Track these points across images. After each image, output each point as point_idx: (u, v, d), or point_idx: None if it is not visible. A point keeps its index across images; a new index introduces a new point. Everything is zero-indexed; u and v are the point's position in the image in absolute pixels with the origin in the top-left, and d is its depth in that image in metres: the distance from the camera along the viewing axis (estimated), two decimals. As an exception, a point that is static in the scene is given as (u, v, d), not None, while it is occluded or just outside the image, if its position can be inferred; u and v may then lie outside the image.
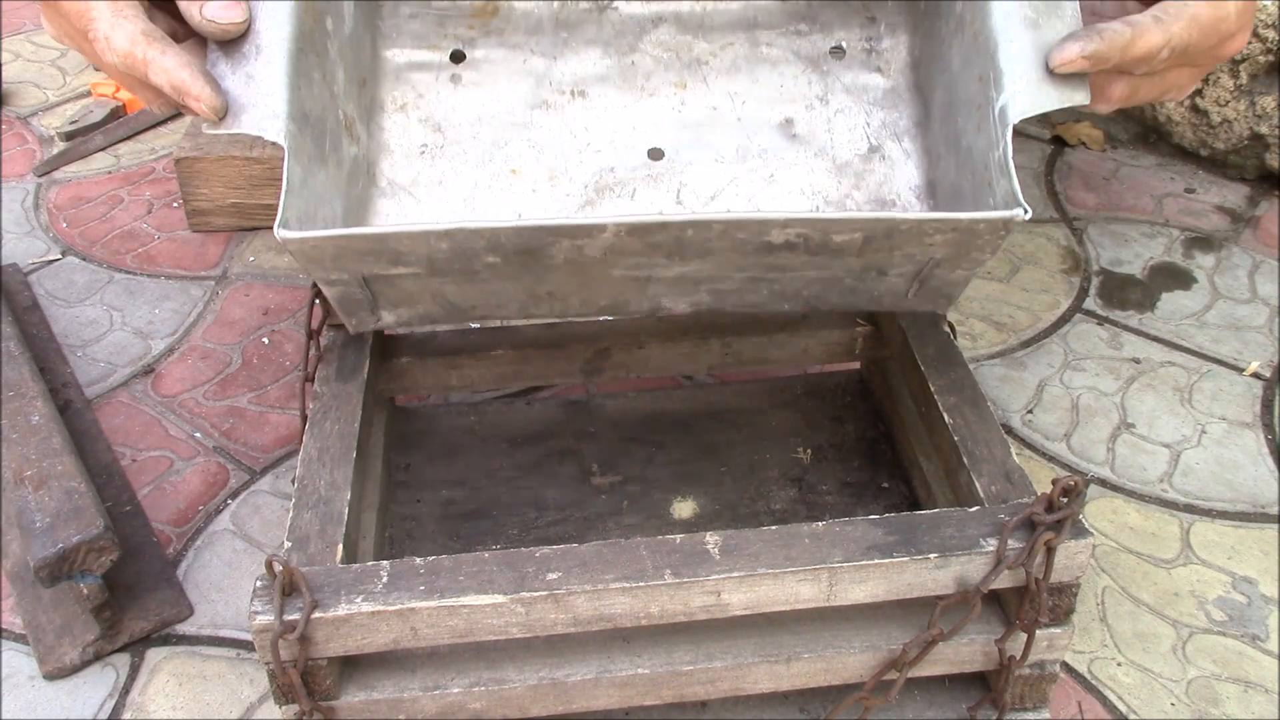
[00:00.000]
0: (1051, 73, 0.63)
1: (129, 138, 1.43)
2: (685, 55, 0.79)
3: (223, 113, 0.60)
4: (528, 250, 0.61)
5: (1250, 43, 1.23)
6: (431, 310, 0.67)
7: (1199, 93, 1.29)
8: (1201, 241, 1.23)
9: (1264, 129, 1.27)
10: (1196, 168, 1.35)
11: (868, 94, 0.79)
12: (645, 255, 0.62)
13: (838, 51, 0.79)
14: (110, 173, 1.35)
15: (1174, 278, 1.17)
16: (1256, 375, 1.04)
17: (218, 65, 0.62)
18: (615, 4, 0.79)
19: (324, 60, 0.68)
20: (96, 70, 1.59)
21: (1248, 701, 0.76)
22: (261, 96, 0.61)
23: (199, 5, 0.60)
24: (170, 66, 0.58)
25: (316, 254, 0.59)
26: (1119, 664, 0.79)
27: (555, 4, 0.79)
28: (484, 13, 0.79)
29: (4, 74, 1.53)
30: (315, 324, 0.81)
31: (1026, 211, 0.59)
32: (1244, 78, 1.25)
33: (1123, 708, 0.76)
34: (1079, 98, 0.63)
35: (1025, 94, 0.62)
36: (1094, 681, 0.77)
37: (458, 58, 0.79)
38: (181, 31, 0.63)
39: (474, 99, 0.78)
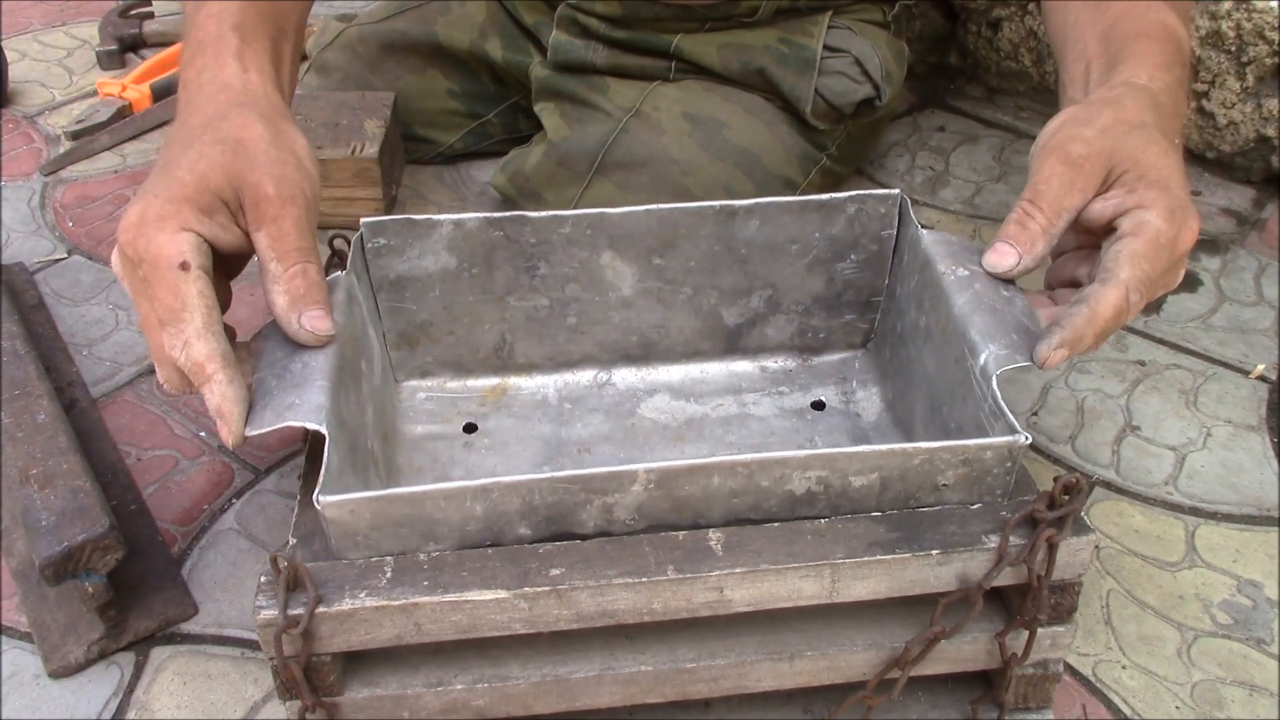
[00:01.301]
0: (1023, 333, 0.71)
1: (135, 137, 1.43)
2: (680, 416, 0.88)
3: (240, 446, 0.68)
4: (560, 517, 0.64)
5: (1256, 45, 1.23)
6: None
7: (1205, 95, 1.29)
8: (1207, 244, 1.23)
9: (1270, 131, 1.27)
10: (1203, 170, 1.35)
11: (852, 433, 0.87)
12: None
13: (819, 405, 0.89)
14: (116, 172, 1.36)
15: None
16: (1262, 378, 1.04)
17: (266, 379, 0.69)
18: (613, 380, 0.90)
19: (359, 393, 0.75)
20: (103, 69, 1.59)
21: (1253, 705, 0.76)
22: (307, 398, 0.66)
23: (297, 314, 0.69)
24: (230, 396, 0.65)
25: (354, 520, 0.62)
26: (1123, 667, 0.78)
27: (558, 382, 0.90)
28: (494, 393, 0.90)
29: (10, 73, 1.53)
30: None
31: (1027, 438, 0.65)
32: (1250, 80, 1.25)
33: (1127, 710, 0.76)
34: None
35: (1002, 353, 0.69)
36: (1098, 684, 0.77)
37: (470, 429, 0.87)
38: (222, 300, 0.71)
39: (487, 461, 0.85)
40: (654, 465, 0.63)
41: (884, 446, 0.65)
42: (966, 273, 0.76)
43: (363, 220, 0.82)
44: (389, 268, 0.84)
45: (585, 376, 0.90)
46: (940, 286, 0.76)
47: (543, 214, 0.84)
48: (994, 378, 0.68)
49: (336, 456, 0.66)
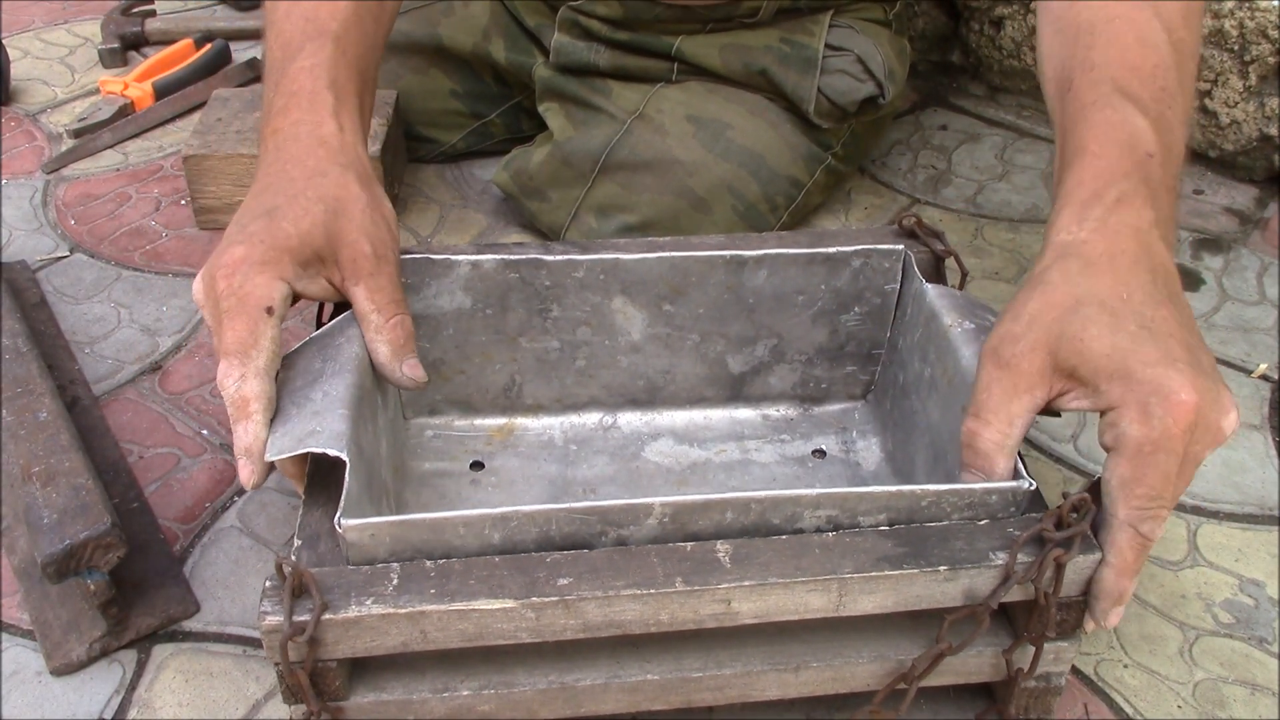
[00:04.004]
0: None
1: (137, 135, 1.43)
2: (683, 460, 0.89)
3: (259, 484, 0.70)
4: (575, 545, 0.65)
5: (1259, 44, 1.22)
6: None
7: (1208, 94, 1.29)
8: (1210, 243, 1.23)
9: (1273, 130, 1.27)
10: (1205, 169, 1.35)
11: (852, 481, 0.89)
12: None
13: (820, 453, 0.90)
14: (118, 170, 1.35)
15: (1182, 279, 1.16)
16: (1264, 377, 1.04)
17: (287, 408, 0.71)
18: (618, 423, 0.92)
19: (375, 425, 0.77)
20: (105, 67, 1.59)
21: (1254, 704, 0.76)
22: (328, 425, 0.68)
23: (399, 362, 0.76)
24: (259, 435, 0.69)
25: (373, 544, 0.64)
26: (1125, 666, 0.79)
27: (564, 423, 0.91)
28: (500, 432, 0.91)
29: (13, 71, 1.53)
30: (325, 319, 0.81)
31: (1031, 484, 0.66)
32: (1253, 79, 1.25)
33: (1129, 710, 0.76)
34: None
35: None
36: (1100, 684, 0.78)
37: (477, 466, 0.88)
38: None
39: (493, 499, 0.86)
40: (669, 499, 0.64)
41: (894, 488, 0.65)
42: (973, 325, 0.77)
43: None
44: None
45: (591, 419, 0.92)
46: (947, 339, 0.77)
47: (558, 257, 0.85)
48: None
49: (356, 484, 0.67)
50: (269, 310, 0.70)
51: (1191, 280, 1.17)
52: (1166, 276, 0.68)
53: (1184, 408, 0.61)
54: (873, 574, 0.63)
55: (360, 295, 0.75)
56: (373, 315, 0.75)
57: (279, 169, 0.77)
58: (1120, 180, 0.70)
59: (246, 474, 0.69)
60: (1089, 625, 0.67)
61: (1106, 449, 0.64)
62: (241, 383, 0.69)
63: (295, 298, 0.74)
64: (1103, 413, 0.64)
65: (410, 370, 0.76)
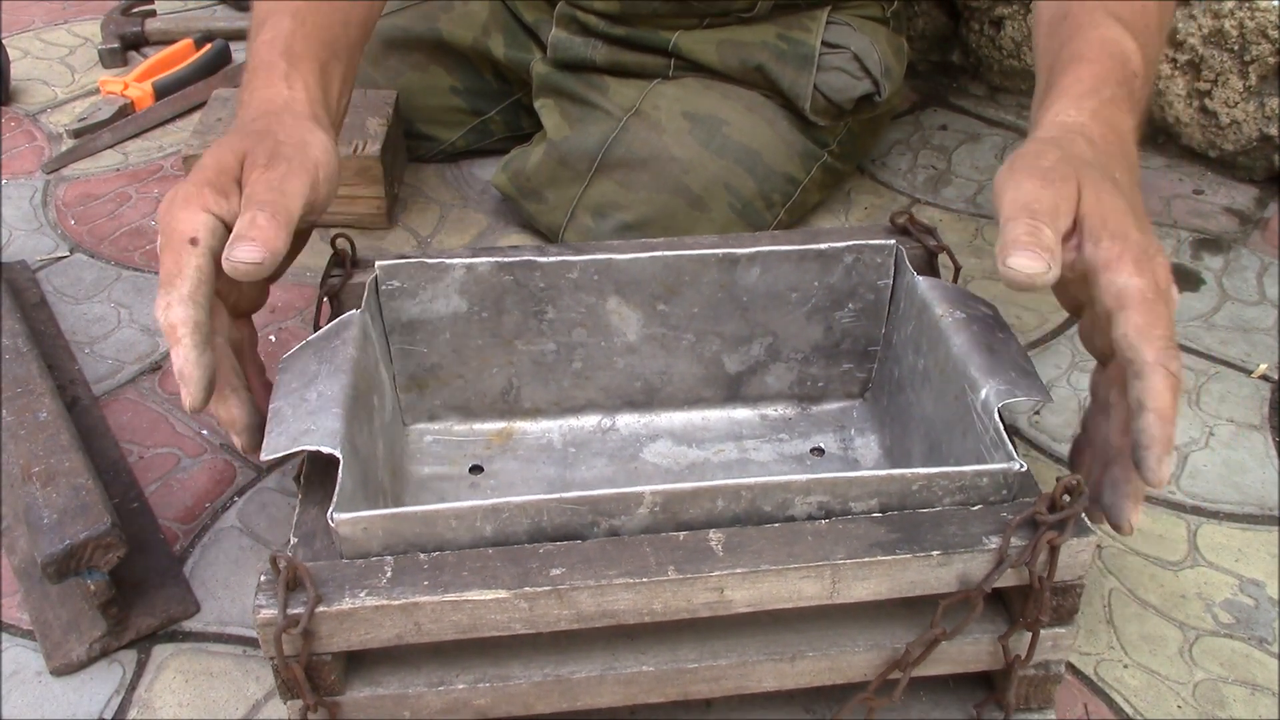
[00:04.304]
0: (1020, 371, 0.73)
1: (137, 135, 1.43)
2: (682, 461, 0.90)
3: (197, 411, 0.72)
4: (567, 537, 0.65)
5: (1259, 44, 1.22)
6: None
7: (1208, 94, 1.29)
8: (1210, 243, 1.23)
9: (1273, 130, 1.27)
10: (1205, 169, 1.35)
11: None
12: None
13: (818, 451, 0.90)
14: (118, 170, 1.36)
15: (1182, 279, 1.17)
16: (1264, 377, 1.04)
17: (282, 409, 0.71)
18: (616, 425, 0.92)
19: (370, 426, 0.77)
20: (105, 67, 1.59)
21: (1254, 704, 0.76)
22: (322, 424, 0.68)
23: (229, 250, 0.70)
24: (193, 360, 0.70)
25: (366, 538, 0.64)
26: (1125, 666, 0.78)
27: (563, 426, 0.92)
28: (499, 436, 0.91)
29: (13, 71, 1.53)
30: (323, 321, 0.81)
31: (1022, 466, 0.67)
32: (1253, 79, 1.25)
33: (1129, 709, 0.76)
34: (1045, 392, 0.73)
35: (1003, 388, 0.71)
36: (1100, 683, 0.77)
37: (477, 470, 0.88)
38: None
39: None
40: (660, 488, 0.64)
41: (884, 472, 0.66)
42: (964, 315, 0.78)
43: (378, 263, 0.84)
44: (402, 310, 0.86)
45: (589, 421, 0.92)
46: (939, 329, 0.78)
47: (551, 258, 0.85)
48: (996, 410, 0.70)
49: (350, 480, 0.67)
50: (192, 241, 0.71)
51: (1191, 280, 1.17)
52: (1139, 175, 0.75)
53: (1165, 267, 0.68)
54: (865, 560, 0.63)
55: (241, 206, 0.73)
56: (240, 219, 0.72)
57: (228, 132, 0.80)
58: (1112, 85, 0.76)
59: (183, 398, 0.71)
60: (1154, 480, 0.65)
61: (1111, 311, 0.66)
62: (168, 311, 0.70)
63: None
64: (1095, 276, 0.67)
65: (241, 254, 0.70)
